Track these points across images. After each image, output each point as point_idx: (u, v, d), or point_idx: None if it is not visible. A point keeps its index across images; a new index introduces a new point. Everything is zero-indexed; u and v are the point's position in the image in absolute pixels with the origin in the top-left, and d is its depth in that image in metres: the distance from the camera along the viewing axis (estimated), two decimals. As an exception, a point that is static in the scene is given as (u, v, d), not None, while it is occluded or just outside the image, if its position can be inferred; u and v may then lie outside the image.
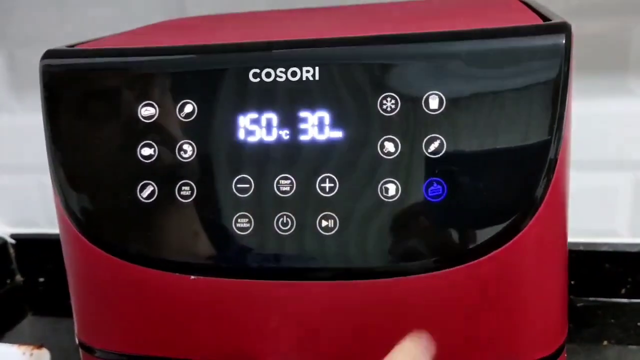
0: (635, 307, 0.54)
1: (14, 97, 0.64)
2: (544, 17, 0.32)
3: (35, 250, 0.68)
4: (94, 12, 0.59)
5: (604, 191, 0.54)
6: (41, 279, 0.68)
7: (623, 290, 0.55)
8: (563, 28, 0.30)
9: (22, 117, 0.64)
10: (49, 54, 0.35)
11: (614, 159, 0.53)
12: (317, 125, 0.31)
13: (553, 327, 0.33)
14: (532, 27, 0.30)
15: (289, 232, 0.31)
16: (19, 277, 0.69)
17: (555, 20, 0.31)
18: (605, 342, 0.51)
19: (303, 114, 0.31)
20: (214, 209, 0.32)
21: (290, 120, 0.32)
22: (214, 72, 0.32)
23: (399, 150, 0.31)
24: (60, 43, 0.37)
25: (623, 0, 0.49)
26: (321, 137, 0.31)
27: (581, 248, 0.55)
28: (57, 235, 0.36)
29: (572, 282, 0.55)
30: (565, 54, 0.29)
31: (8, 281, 0.69)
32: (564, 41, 0.29)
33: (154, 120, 0.33)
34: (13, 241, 0.69)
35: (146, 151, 0.33)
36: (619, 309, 0.54)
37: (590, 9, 0.50)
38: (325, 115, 0.31)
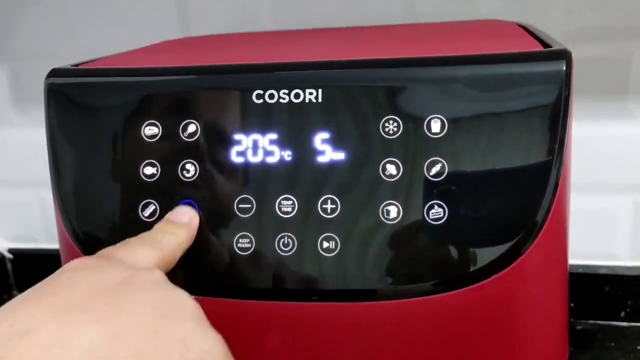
0: (635, 330, 0.54)
1: (16, 111, 0.64)
2: (544, 43, 0.33)
3: (33, 265, 0.68)
4: (97, 29, 0.60)
5: (604, 214, 0.54)
6: (38, 295, 0.68)
7: (623, 314, 0.55)
8: (563, 54, 0.30)
9: (23, 131, 0.64)
10: (54, 73, 0.35)
11: (614, 182, 0.53)
12: (319, 147, 0.31)
13: (554, 350, 0.33)
14: (533, 53, 0.31)
15: (290, 253, 0.31)
16: (16, 293, 0.69)
17: (556, 47, 0.31)
18: (605, 366, 0.50)
19: (305, 135, 0.32)
20: (216, 229, 0.32)
21: (292, 142, 0.32)
22: (217, 93, 0.33)
23: (400, 173, 0.31)
24: (63, 59, 0.37)
25: (623, 24, 0.50)
26: (323, 159, 0.31)
27: (581, 271, 0.54)
28: (56, 250, 0.36)
29: (572, 305, 0.55)
30: (566, 79, 0.30)
31: (5, 297, 0.68)
32: (564, 67, 0.30)
33: (157, 140, 0.33)
34: (11, 256, 0.68)
35: (149, 170, 0.33)
36: (618, 332, 0.54)
37: (591, 33, 0.50)
38: (328, 137, 0.31)
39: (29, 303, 0.24)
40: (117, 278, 0.26)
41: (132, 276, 0.26)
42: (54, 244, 0.36)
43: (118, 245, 0.30)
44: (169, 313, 0.25)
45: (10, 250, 0.68)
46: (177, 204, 0.32)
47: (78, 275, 0.26)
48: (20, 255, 0.68)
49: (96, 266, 0.27)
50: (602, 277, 0.54)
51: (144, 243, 0.30)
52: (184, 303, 0.26)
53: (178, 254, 0.31)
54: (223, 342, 0.26)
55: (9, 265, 0.68)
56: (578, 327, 0.55)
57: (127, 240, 0.30)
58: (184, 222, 0.32)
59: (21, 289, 0.71)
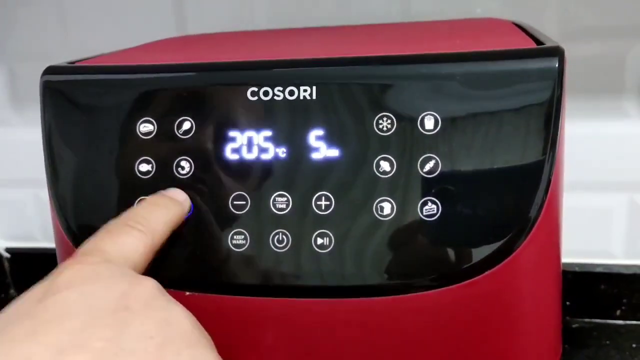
0: (630, 328, 0.54)
1: (14, 111, 0.64)
2: (538, 41, 0.33)
3: (30, 264, 0.68)
4: (94, 28, 0.60)
5: (599, 212, 0.55)
6: (36, 294, 0.68)
7: (618, 312, 0.55)
8: (556, 51, 0.30)
9: (20, 131, 0.64)
10: (50, 70, 0.35)
11: (610, 180, 0.54)
12: (313, 144, 0.32)
13: (547, 347, 0.33)
14: (527, 51, 0.31)
15: (284, 250, 0.32)
16: (13, 292, 0.69)
17: (548, 44, 0.31)
18: (600, 364, 0.51)
19: (300, 132, 0.32)
20: (211, 226, 0.32)
21: (287, 139, 0.32)
22: (212, 90, 0.33)
23: (394, 170, 0.31)
24: (60, 59, 0.37)
25: (618, 23, 0.50)
26: (317, 156, 0.32)
27: (576, 269, 0.55)
28: (53, 249, 0.36)
29: (567, 303, 0.55)
30: (558, 76, 0.30)
31: (2, 295, 0.68)
32: (557, 64, 0.30)
33: (152, 137, 0.33)
34: (8, 255, 0.68)
35: (144, 167, 0.33)
36: (614, 330, 0.54)
37: (586, 32, 0.50)
38: (322, 134, 0.32)
39: (27, 338, 0.23)
40: (110, 300, 0.25)
41: (125, 296, 0.26)
42: (51, 243, 0.36)
43: (103, 233, 0.29)
44: (166, 342, 0.25)
45: (8, 249, 0.68)
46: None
47: (69, 299, 0.25)
48: (17, 254, 0.68)
49: (87, 280, 0.26)
50: (598, 276, 0.55)
51: (133, 228, 0.29)
52: (180, 324, 0.26)
53: (168, 231, 0.31)
54: (215, 355, 0.26)
55: (6, 264, 0.68)
56: (574, 326, 0.55)
57: (112, 225, 0.30)
58: (178, 199, 0.32)
59: (19, 288, 0.71)
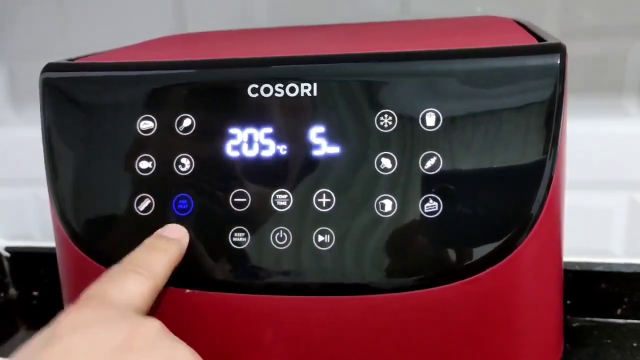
0: (631, 327, 0.54)
1: (13, 110, 0.64)
2: (539, 38, 0.33)
3: (29, 263, 0.68)
4: (94, 27, 0.60)
5: (600, 211, 0.54)
6: (35, 293, 0.68)
7: (619, 311, 0.55)
8: (558, 48, 0.30)
9: (20, 130, 0.64)
10: (49, 67, 0.35)
11: (610, 179, 0.54)
12: (314, 141, 0.31)
13: (548, 345, 0.33)
14: (528, 47, 0.31)
15: (285, 247, 0.31)
16: (12, 291, 0.69)
17: (550, 41, 0.31)
18: (601, 363, 0.50)
19: (301, 129, 0.32)
20: (211, 223, 0.32)
21: (287, 136, 0.32)
22: (212, 87, 0.33)
23: (395, 167, 0.31)
24: (60, 57, 0.37)
25: (619, 22, 0.50)
26: (318, 153, 0.31)
27: (577, 268, 0.55)
28: (52, 248, 0.36)
29: (568, 302, 0.55)
30: (560, 74, 0.30)
31: (2, 295, 0.68)
32: (558, 61, 0.30)
33: (153, 134, 0.33)
34: (8, 254, 0.68)
35: (144, 164, 0.33)
36: (615, 329, 0.54)
37: (587, 31, 0.50)
38: (323, 131, 0.31)
39: None
40: (115, 341, 0.25)
41: (130, 337, 0.26)
42: (51, 242, 0.35)
43: (106, 279, 0.29)
44: None
45: (7, 249, 0.68)
46: (172, 198, 0.32)
47: (73, 343, 0.25)
48: (17, 254, 0.68)
49: (92, 323, 0.26)
50: (599, 275, 0.55)
51: (135, 272, 0.30)
52: None
53: (169, 272, 0.31)
54: None
55: (6, 263, 0.68)
56: (574, 325, 0.55)
57: (117, 271, 0.30)
58: (175, 237, 0.32)
59: (18, 287, 0.71)
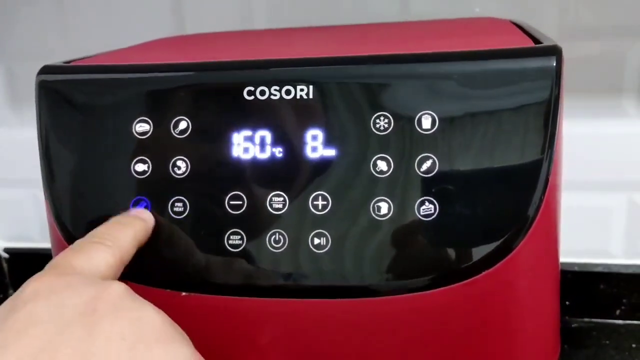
0: (630, 328, 0.54)
1: (12, 111, 0.64)
2: (536, 40, 0.33)
3: (29, 264, 0.67)
4: (94, 27, 0.60)
5: (599, 212, 0.54)
6: (34, 294, 0.68)
7: (618, 312, 0.55)
8: (554, 50, 0.30)
9: (19, 131, 0.64)
10: (46, 70, 0.35)
11: (609, 179, 0.53)
12: (310, 143, 0.31)
13: (545, 346, 0.33)
14: (524, 49, 0.31)
15: (281, 250, 0.31)
16: (12, 292, 0.69)
17: (546, 43, 0.31)
18: (600, 364, 0.50)
19: (297, 132, 0.32)
20: (207, 226, 0.32)
21: (283, 138, 0.32)
22: (208, 89, 0.33)
23: (391, 169, 0.31)
24: (58, 59, 0.37)
25: (618, 22, 0.50)
26: (314, 155, 0.31)
27: (576, 269, 0.54)
28: (51, 249, 0.36)
29: (567, 303, 0.55)
30: (556, 75, 0.30)
31: (1, 296, 0.68)
32: (554, 63, 0.30)
33: (149, 137, 0.33)
34: (6, 255, 0.68)
35: (140, 167, 0.33)
36: (614, 330, 0.54)
37: (586, 31, 0.50)
38: (319, 134, 0.31)
39: None
40: (79, 305, 0.25)
41: (95, 299, 0.26)
42: (50, 244, 0.36)
43: (73, 250, 0.29)
44: (137, 341, 0.25)
45: (6, 250, 0.68)
46: (168, 201, 0.32)
47: (37, 308, 0.25)
48: (16, 255, 0.68)
49: (55, 290, 0.26)
50: (597, 275, 0.54)
51: (101, 243, 0.30)
52: (150, 322, 0.26)
53: (134, 247, 0.31)
54: (191, 351, 0.26)
55: (4, 264, 0.68)
56: (573, 325, 0.55)
57: (82, 242, 0.30)
58: (142, 216, 0.32)
59: (17, 288, 0.71)
